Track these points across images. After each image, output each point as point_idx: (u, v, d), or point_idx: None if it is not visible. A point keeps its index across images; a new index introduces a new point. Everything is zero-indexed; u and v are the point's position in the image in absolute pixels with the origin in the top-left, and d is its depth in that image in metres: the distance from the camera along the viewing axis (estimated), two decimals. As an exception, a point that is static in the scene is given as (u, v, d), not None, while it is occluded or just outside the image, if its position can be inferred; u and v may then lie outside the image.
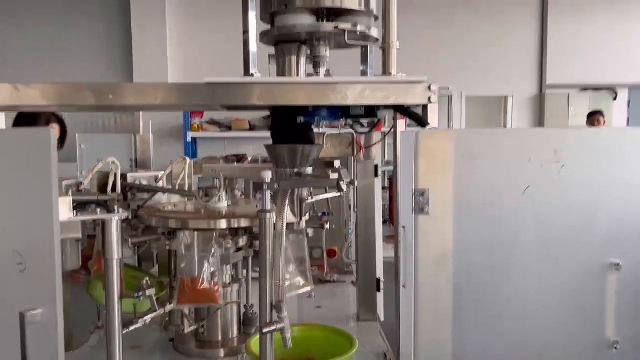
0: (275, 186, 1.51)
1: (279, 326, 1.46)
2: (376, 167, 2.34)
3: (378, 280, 2.34)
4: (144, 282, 1.61)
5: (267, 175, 1.46)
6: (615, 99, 7.72)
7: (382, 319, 2.31)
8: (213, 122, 7.00)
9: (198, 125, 6.89)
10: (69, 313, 1.92)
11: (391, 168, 5.37)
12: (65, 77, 7.07)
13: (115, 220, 1.48)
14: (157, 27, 6.95)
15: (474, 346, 1.37)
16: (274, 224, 1.47)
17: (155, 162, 3.18)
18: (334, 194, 1.89)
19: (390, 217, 5.75)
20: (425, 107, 1.51)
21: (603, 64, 7.56)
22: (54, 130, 1.05)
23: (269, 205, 1.45)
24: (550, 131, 1.45)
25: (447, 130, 1.42)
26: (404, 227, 1.38)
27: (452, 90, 7.27)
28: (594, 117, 6.82)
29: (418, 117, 1.50)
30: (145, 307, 1.75)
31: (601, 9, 7.51)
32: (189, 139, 6.87)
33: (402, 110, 1.55)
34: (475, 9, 7.40)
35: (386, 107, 1.59)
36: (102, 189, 1.86)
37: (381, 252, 2.38)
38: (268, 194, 1.45)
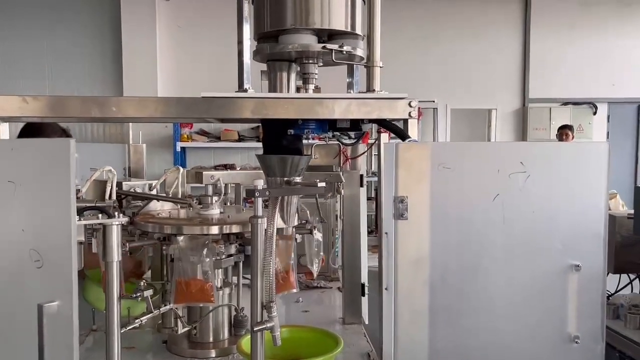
0: (267, 193, 1.61)
1: (268, 325, 1.56)
2: (361, 176, 2.45)
3: (363, 285, 2.44)
4: (142, 283, 1.70)
5: (259, 183, 1.57)
6: (595, 113, 7.95)
7: (366, 322, 2.41)
8: (202, 133, 7.10)
9: (187, 136, 6.98)
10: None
11: (376, 179, 5.48)
12: (55, 85, 7.13)
13: (115, 225, 1.58)
14: (148, 37, 7.04)
15: (448, 343, 1.48)
16: (265, 230, 1.58)
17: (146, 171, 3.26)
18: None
19: (377, 226, 5.85)
20: (405, 122, 1.64)
21: (583, 80, 7.81)
22: (73, 140, 1.15)
23: (260, 212, 1.56)
24: (517, 144, 1.59)
25: (424, 143, 1.55)
26: (386, 233, 1.49)
27: (438, 103, 7.45)
28: (562, 131, 7.07)
29: (399, 131, 1.62)
30: (138, 310, 1.84)
31: (580, 28, 7.78)
32: (178, 148, 6.94)
33: (385, 124, 1.67)
34: (460, 26, 7.62)
35: (370, 121, 1.71)
36: (99, 196, 1.95)
37: (366, 258, 2.49)
38: (260, 201, 1.56)
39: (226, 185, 2.28)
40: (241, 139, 6.99)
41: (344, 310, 2.42)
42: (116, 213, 1.61)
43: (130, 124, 5.93)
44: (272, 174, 1.80)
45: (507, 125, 7.94)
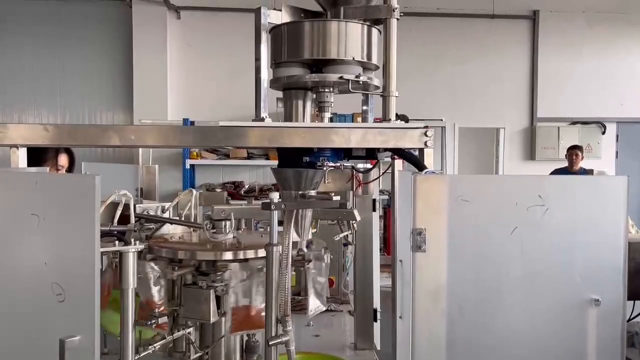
0: (283, 206, 1.61)
1: (284, 339, 1.55)
2: (374, 201, 2.45)
3: (375, 310, 2.43)
4: (156, 310, 1.70)
5: (275, 196, 1.58)
6: (604, 132, 7.93)
7: (378, 348, 2.40)
8: (211, 150, 7.13)
9: (197, 153, 7.01)
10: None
11: (386, 197, 5.44)
12: (66, 101, 7.22)
13: (132, 252, 1.59)
14: (158, 54, 7.12)
15: (467, 374, 1.46)
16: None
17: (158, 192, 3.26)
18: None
19: (385, 245, 5.83)
20: (421, 151, 1.64)
21: (591, 99, 7.82)
22: (99, 177, 1.16)
23: (276, 223, 1.56)
24: (534, 178, 1.58)
25: (442, 176, 1.55)
26: (400, 260, 1.48)
27: (446, 122, 7.46)
28: (572, 151, 7.01)
29: (416, 161, 1.62)
30: (149, 333, 1.84)
31: (588, 48, 7.81)
32: (187, 166, 6.97)
33: (401, 153, 1.68)
34: (469, 45, 7.67)
35: (386, 149, 1.72)
36: (110, 219, 1.95)
37: (378, 282, 2.48)
38: (276, 214, 1.56)
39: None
40: (250, 156, 7.03)
41: (356, 336, 2.40)
42: (132, 239, 1.62)
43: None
44: (287, 187, 1.80)
45: (516, 144, 7.93)
